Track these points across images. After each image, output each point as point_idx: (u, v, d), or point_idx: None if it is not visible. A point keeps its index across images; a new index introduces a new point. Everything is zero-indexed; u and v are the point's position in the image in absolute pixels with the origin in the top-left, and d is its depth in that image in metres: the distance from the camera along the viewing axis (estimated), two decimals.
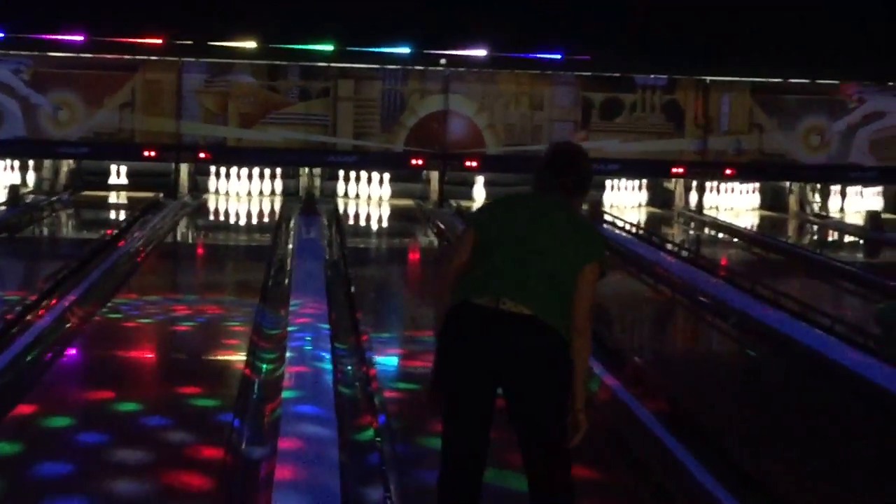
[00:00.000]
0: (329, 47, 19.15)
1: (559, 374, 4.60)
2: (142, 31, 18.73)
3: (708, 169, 19.92)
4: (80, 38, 18.66)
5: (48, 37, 18.69)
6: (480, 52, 19.39)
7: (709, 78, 19.71)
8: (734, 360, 10.05)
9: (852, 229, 18.95)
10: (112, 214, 18.60)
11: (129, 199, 19.30)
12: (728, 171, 19.92)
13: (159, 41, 18.83)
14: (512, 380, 4.58)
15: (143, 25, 18.62)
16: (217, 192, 20.20)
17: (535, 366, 4.56)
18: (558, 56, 19.49)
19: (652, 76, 19.64)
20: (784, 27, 19.16)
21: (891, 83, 20.06)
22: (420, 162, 19.47)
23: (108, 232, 15.18)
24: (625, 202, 20.60)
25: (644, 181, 20.74)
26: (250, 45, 19.08)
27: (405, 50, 19.35)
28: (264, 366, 8.17)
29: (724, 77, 19.72)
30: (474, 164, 19.48)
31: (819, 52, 19.18)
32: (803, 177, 20.33)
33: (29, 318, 9.41)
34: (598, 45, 19.46)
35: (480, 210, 5.08)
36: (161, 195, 19.06)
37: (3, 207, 16.99)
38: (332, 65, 19.24)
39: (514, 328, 4.56)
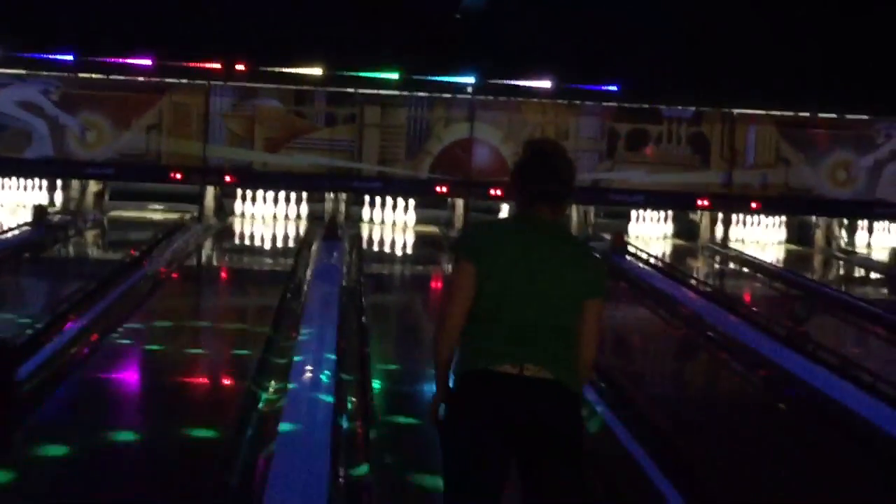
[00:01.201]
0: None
1: (579, 436, 4.48)
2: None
3: (734, 202, 19.85)
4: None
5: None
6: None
7: (735, 110, 19.66)
8: (739, 399, 9.96)
9: (877, 266, 18.84)
10: (137, 236, 18.69)
11: (155, 220, 19.38)
12: (754, 205, 19.85)
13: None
14: (534, 445, 4.41)
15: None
16: (243, 215, 20.28)
17: (558, 432, 4.41)
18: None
19: (678, 108, 19.61)
20: (812, 62, 19.07)
21: None
22: (444, 189, 19.50)
23: (131, 252, 15.25)
24: (650, 234, 20.55)
25: (670, 213, 20.70)
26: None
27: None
28: (265, 395, 8.18)
29: (750, 110, 19.66)
30: (499, 192, 19.48)
31: (847, 87, 19.09)
32: (829, 211, 20.23)
33: (40, 340, 9.44)
34: (627, 77, 19.48)
35: (470, 243, 4.57)
36: (187, 217, 19.17)
37: (28, 227, 17.10)
38: (360, 91, 19.32)
39: (540, 396, 4.40)
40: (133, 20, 18.62)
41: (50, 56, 18.88)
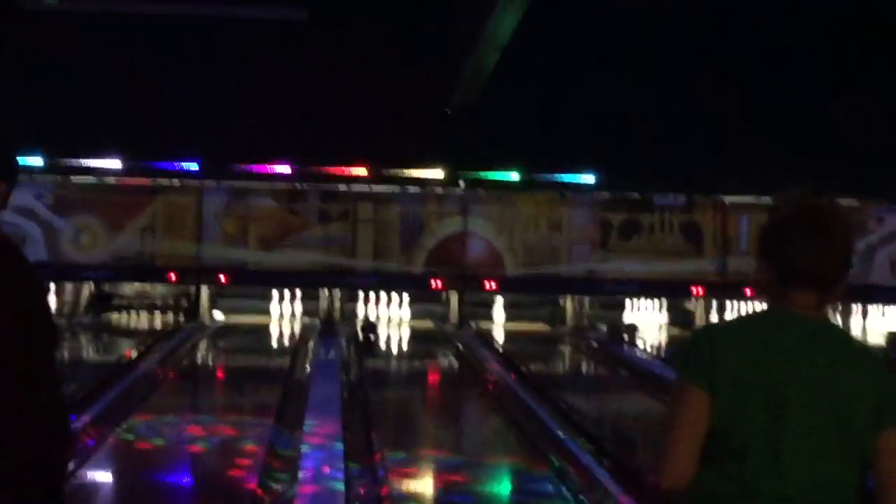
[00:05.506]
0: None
1: None
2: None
3: (728, 289, 19.85)
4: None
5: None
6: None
7: (727, 198, 19.76)
8: None
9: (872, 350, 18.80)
10: (132, 337, 18.62)
11: (150, 321, 19.35)
12: (748, 291, 19.86)
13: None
14: None
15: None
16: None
17: None
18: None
19: (670, 197, 19.71)
20: (803, 148, 19.20)
21: None
22: (439, 283, 19.51)
23: (127, 354, 15.20)
24: (646, 322, 20.55)
25: (664, 301, 20.71)
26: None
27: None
28: (275, 486, 8.10)
29: (741, 197, 19.76)
30: (493, 285, 19.49)
31: (837, 172, 19.21)
32: None
33: None
34: (618, 168, 19.60)
35: (702, 358, 3.06)
36: (181, 318, 19.13)
37: None
38: (353, 188, 19.41)
39: None
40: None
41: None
